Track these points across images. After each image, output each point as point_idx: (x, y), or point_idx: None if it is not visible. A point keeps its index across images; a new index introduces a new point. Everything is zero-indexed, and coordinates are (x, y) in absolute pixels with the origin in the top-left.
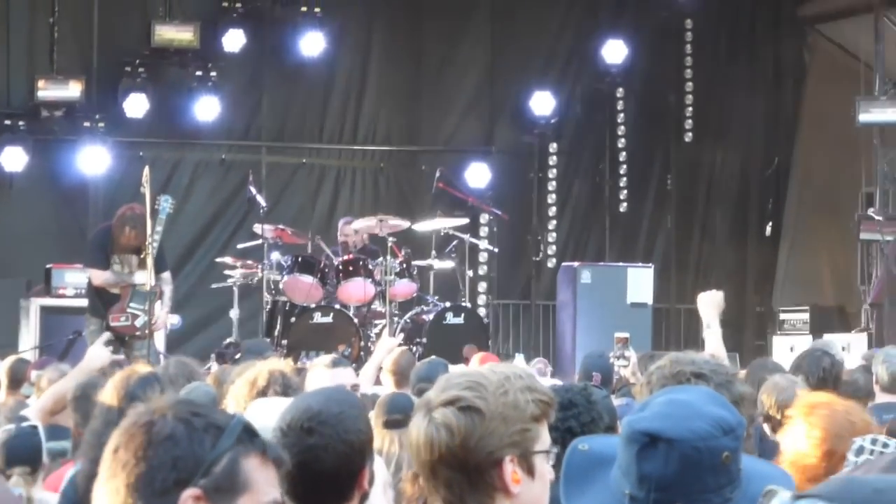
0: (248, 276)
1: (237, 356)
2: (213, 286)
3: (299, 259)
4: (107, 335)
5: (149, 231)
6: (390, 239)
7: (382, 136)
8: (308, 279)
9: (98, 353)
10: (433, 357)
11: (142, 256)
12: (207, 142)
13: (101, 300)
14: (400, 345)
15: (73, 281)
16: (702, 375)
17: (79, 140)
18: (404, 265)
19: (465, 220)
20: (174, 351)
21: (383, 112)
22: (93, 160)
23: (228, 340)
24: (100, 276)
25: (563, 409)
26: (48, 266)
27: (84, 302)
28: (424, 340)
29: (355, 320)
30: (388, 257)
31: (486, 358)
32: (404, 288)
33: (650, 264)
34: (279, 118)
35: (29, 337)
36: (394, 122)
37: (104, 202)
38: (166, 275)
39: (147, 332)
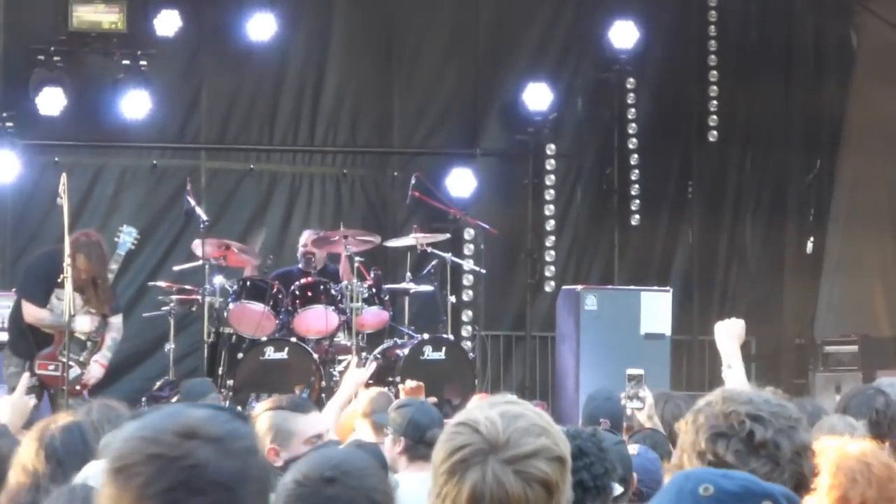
0: (187, 304)
1: (174, 399)
2: (145, 315)
3: (247, 283)
4: (26, 378)
5: (66, 259)
6: (357, 258)
7: (345, 137)
8: (258, 307)
9: (17, 402)
10: (421, 399)
11: (86, 297)
12: (136, 144)
13: (29, 338)
14: (369, 383)
15: None
16: (759, 418)
17: None
18: (374, 290)
19: (445, 236)
20: (99, 392)
21: (346, 108)
22: None
23: (163, 380)
24: (35, 314)
25: (573, 458)
26: None
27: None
28: (398, 379)
29: (315, 356)
30: (355, 280)
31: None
32: (374, 317)
33: (668, 288)
34: (222, 116)
35: None
36: (359, 119)
37: (13, 217)
38: (117, 320)
39: (77, 387)
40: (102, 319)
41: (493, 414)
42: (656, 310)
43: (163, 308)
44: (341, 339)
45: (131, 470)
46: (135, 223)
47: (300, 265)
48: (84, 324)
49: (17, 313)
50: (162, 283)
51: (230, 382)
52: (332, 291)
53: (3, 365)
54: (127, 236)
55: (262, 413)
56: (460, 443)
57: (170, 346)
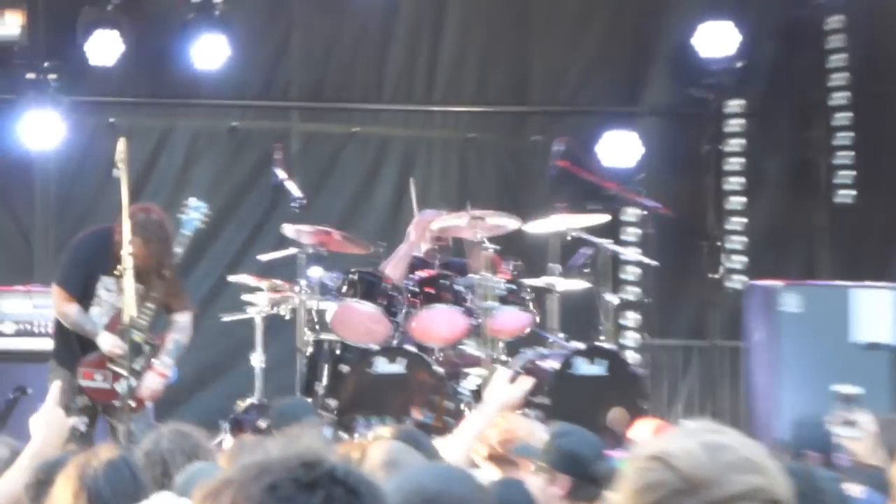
0: (278, 304)
1: (262, 423)
2: (224, 318)
3: (355, 277)
4: (56, 388)
5: (125, 245)
6: (489, 247)
7: (472, 93)
8: (368, 308)
9: (52, 419)
10: (574, 428)
11: (148, 290)
12: (211, 102)
13: (73, 344)
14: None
15: (14, 311)
16: None
17: (18, 101)
18: (512, 286)
19: (603, 218)
20: (169, 414)
21: (472, 57)
22: (40, 130)
23: (249, 401)
24: (61, 306)
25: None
26: None
27: (36, 343)
28: (547, 401)
29: (439, 370)
30: (488, 274)
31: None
32: (512, 320)
33: (891, 284)
34: (317, 66)
35: None
36: (489, 71)
37: (58, 195)
38: (184, 318)
39: (131, 403)
40: (169, 314)
41: (693, 445)
42: (875, 312)
43: (247, 309)
44: (471, 347)
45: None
46: (210, 202)
47: (420, 254)
48: (106, 342)
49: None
50: (246, 278)
51: (333, 403)
52: (459, 288)
53: (49, 378)
54: (194, 212)
55: (376, 444)
56: (652, 481)
57: (257, 358)
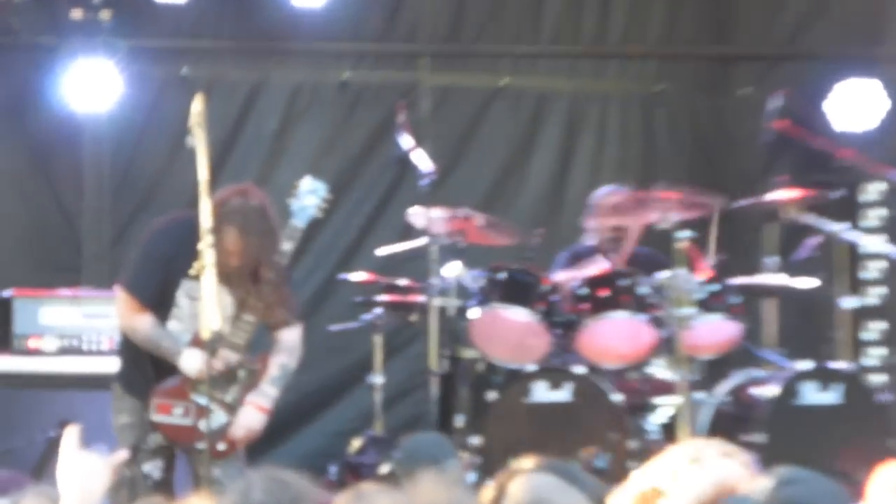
0: (403, 311)
1: (384, 467)
2: (332, 328)
3: (504, 275)
4: (74, 430)
5: (204, 235)
6: (683, 234)
7: (657, 31)
8: (522, 316)
9: (86, 471)
10: (805, 474)
11: (246, 299)
12: (315, 48)
13: (144, 364)
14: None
15: (57, 323)
16: None
17: (62, 46)
18: (715, 287)
19: (833, 194)
20: (262, 457)
21: None
22: (90, 85)
23: (366, 435)
24: (129, 318)
25: None
26: (4, 294)
27: (85, 364)
28: (763, 439)
29: (618, 398)
30: (682, 271)
31: None
32: (715, 332)
33: None
34: (454, 0)
35: None
36: (681, 2)
37: (116, 167)
38: (291, 336)
39: (220, 446)
40: (273, 332)
41: None
42: None
43: (362, 317)
44: (660, 368)
45: None
46: (313, 176)
47: (591, 243)
48: (191, 362)
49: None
50: (360, 277)
51: (476, 441)
52: (644, 290)
53: (113, 410)
54: (309, 196)
55: (518, 480)
56: None
57: (375, 380)
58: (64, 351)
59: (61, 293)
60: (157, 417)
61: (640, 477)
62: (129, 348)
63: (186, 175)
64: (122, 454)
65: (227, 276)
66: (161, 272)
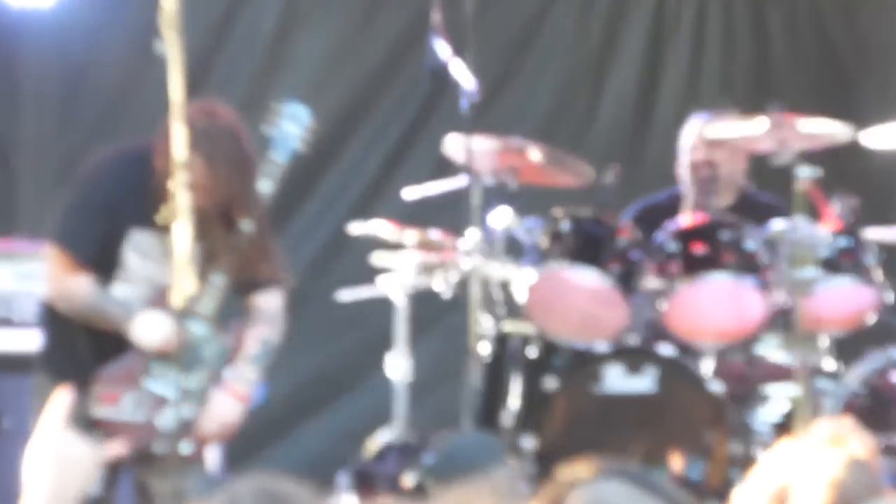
0: (434, 272)
1: (410, 479)
2: (344, 298)
3: (567, 225)
4: (67, 402)
5: (176, 170)
6: (802, 172)
7: None
8: (591, 279)
9: (67, 456)
10: None
11: (214, 251)
12: None
13: (77, 341)
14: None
15: None
16: None
17: None
18: (846, 243)
19: None
20: (250, 462)
21: None
22: None
23: (385, 439)
24: (64, 282)
25: None
26: None
27: (19, 339)
28: None
29: (717, 387)
30: (802, 221)
31: None
32: (846, 300)
33: None
34: None
35: None
36: None
37: (60, 86)
38: (273, 302)
39: (183, 448)
40: (244, 295)
41: None
42: None
43: (381, 281)
44: (772, 347)
45: None
46: (320, 101)
47: (679, 188)
48: (151, 330)
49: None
50: (379, 228)
51: (529, 443)
52: (751, 245)
53: (34, 405)
54: (289, 123)
55: (578, 489)
56: None
57: (398, 363)
58: None
59: None
60: (99, 411)
61: (764, 474)
62: (58, 322)
63: (154, 93)
64: (118, 447)
65: (195, 220)
66: (102, 222)
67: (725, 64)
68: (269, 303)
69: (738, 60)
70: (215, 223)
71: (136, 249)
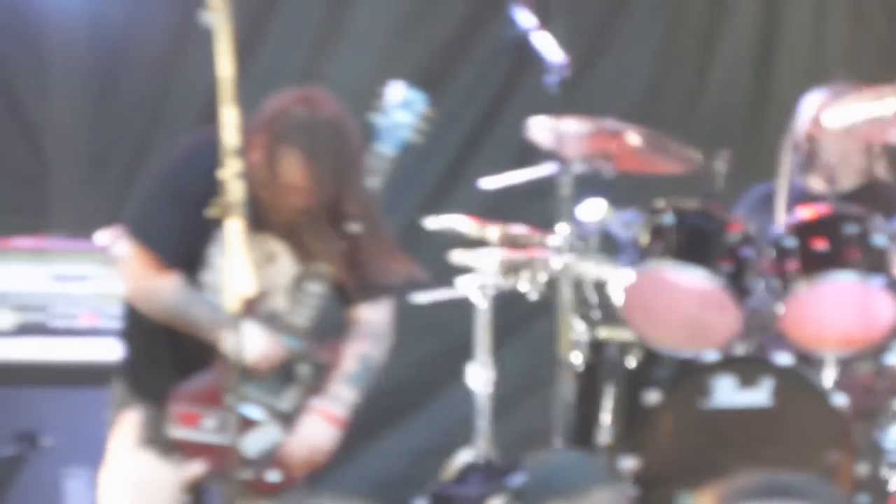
0: (519, 271)
1: (494, 502)
2: (418, 298)
3: (670, 219)
4: (136, 421)
5: (228, 160)
6: None
7: None
8: (697, 279)
9: (145, 481)
10: None
11: (311, 257)
12: None
13: (159, 349)
14: None
15: (14, 288)
16: None
17: None
18: None
19: None
20: (322, 481)
21: None
22: None
23: (467, 458)
24: (158, 285)
25: None
26: None
27: (56, 347)
28: None
29: (842, 401)
30: None
31: None
32: None
33: None
34: None
35: None
36: None
37: (96, 60)
38: (378, 315)
39: (271, 476)
40: (309, 364)
41: None
42: None
43: (459, 282)
44: None
45: None
46: (384, 72)
47: (796, 176)
48: (248, 341)
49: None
50: (457, 222)
51: (629, 463)
52: (879, 240)
53: (112, 420)
54: (401, 111)
55: None
56: None
57: (478, 374)
58: (23, 330)
59: (18, 244)
60: (178, 432)
61: None
62: (141, 328)
63: (200, 71)
64: (199, 467)
65: (287, 225)
66: (187, 215)
67: (852, 32)
68: (374, 315)
69: (864, 28)
70: (314, 226)
71: (223, 249)
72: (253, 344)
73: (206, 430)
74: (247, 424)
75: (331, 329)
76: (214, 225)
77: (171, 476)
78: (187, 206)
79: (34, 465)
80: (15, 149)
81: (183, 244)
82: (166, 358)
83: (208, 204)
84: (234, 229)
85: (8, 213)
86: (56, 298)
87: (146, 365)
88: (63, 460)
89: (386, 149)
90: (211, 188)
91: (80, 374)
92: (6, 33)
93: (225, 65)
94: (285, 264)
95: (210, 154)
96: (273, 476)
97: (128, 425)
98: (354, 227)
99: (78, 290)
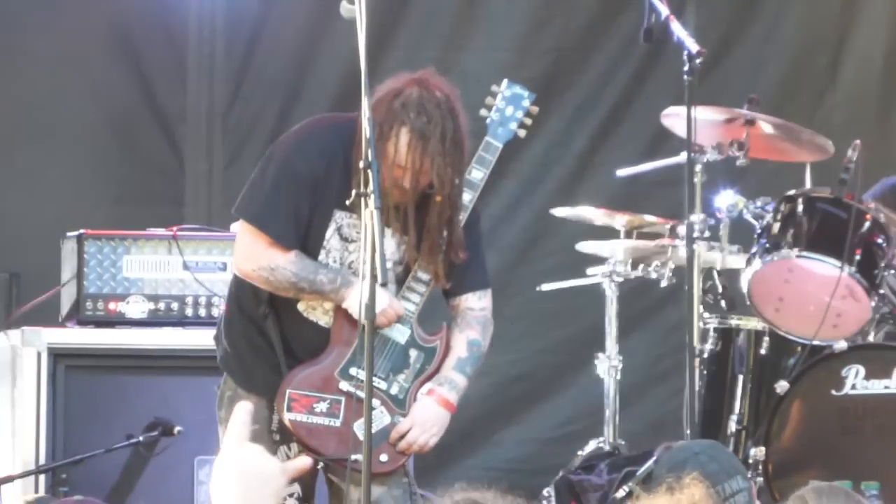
0: (649, 261)
1: (623, 490)
2: (545, 286)
3: (800, 208)
4: (245, 411)
5: (364, 148)
6: None
7: None
8: (828, 269)
9: (256, 476)
10: None
11: (422, 244)
12: None
13: (267, 333)
14: None
15: (148, 275)
16: None
17: None
18: None
19: None
20: (436, 471)
21: None
22: None
23: (595, 446)
24: (276, 261)
25: None
26: (71, 235)
27: (191, 336)
28: None
29: None
30: None
31: None
32: None
33: None
34: None
35: (28, 441)
36: None
37: (232, 46)
38: (482, 303)
39: (384, 457)
40: (419, 349)
41: None
42: None
43: (589, 272)
44: None
45: None
46: (518, 60)
47: None
48: (377, 301)
49: (239, 287)
50: (586, 212)
51: (758, 453)
52: None
53: (220, 416)
54: (509, 105)
55: None
56: None
57: (607, 362)
58: (158, 318)
59: (154, 234)
60: (291, 415)
61: None
62: (248, 316)
63: (332, 63)
64: (305, 461)
65: (392, 207)
66: (304, 198)
67: None
68: (479, 303)
69: None
70: (421, 212)
71: (340, 233)
72: (377, 300)
73: (320, 413)
74: (359, 408)
75: (434, 317)
76: (329, 207)
77: (279, 470)
78: (301, 188)
79: (168, 451)
80: (153, 141)
81: (298, 226)
82: (277, 347)
83: (322, 186)
84: (368, 218)
85: (145, 204)
86: (190, 287)
87: (255, 356)
88: (195, 447)
89: (495, 141)
90: (324, 171)
91: (212, 363)
92: (146, 30)
93: (363, 52)
94: (390, 246)
95: (323, 137)
96: (383, 459)
97: (237, 418)
98: (454, 212)
99: (212, 279)
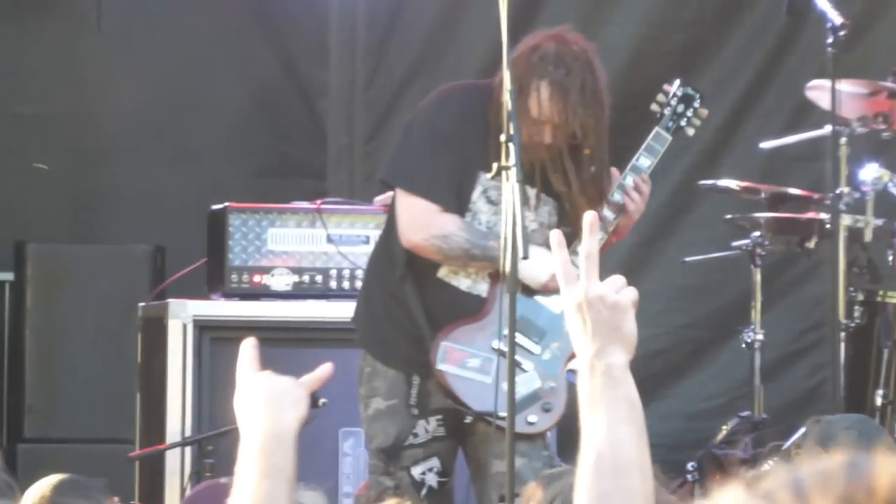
0: (793, 234)
1: (768, 466)
2: (689, 259)
3: None
4: (249, 347)
5: (505, 112)
6: None
7: None
8: None
9: (279, 394)
10: None
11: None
12: None
13: (409, 302)
14: None
15: (292, 248)
16: None
17: None
18: None
19: None
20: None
21: None
22: None
23: (739, 419)
24: (444, 226)
25: None
26: (215, 209)
27: (337, 309)
28: None
29: None
30: None
31: None
32: None
33: None
34: None
35: (174, 413)
36: None
37: (374, 16)
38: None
39: (533, 417)
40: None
41: None
42: None
43: (734, 244)
44: None
45: None
46: (655, 31)
47: None
48: (539, 263)
49: (383, 251)
50: (730, 184)
51: None
52: None
53: (362, 393)
54: (680, 105)
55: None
56: None
57: (752, 336)
58: (302, 291)
59: (299, 207)
60: (444, 366)
61: None
62: (387, 289)
63: (478, 33)
64: (327, 369)
65: (533, 165)
66: (454, 160)
67: None
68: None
69: None
70: (561, 167)
71: (485, 196)
72: (542, 264)
73: (471, 368)
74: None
75: None
76: (474, 168)
77: (294, 380)
78: (448, 149)
79: (313, 423)
80: (295, 115)
81: (452, 187)
82: (407, 323)
83: (467, 146)
84: (512, 189)
85: (287, 177)
86: (334, 260)
87: (397, 331)
88: (340, 419)
89: (666, 133)
90: (466, 129)
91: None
92: (288, 4)
93: (503, 24)
94: (541, 213)
95: (461, 98)
96: (532, 418)
97: (243, 355)
98: (596, 167)
99: (355, 252)
